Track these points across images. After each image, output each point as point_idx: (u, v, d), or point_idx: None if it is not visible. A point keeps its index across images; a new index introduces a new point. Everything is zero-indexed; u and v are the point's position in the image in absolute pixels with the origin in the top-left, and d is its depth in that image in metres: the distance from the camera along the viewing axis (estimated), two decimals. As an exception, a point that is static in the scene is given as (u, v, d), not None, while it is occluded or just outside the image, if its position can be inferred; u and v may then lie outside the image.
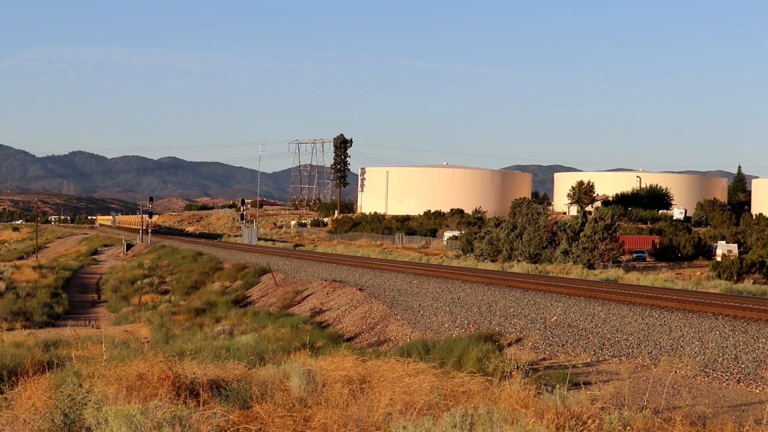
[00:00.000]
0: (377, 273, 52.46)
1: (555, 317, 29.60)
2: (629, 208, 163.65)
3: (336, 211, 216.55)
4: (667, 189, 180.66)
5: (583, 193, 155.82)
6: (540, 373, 19.21)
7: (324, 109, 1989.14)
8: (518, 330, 27.95)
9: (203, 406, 14.85)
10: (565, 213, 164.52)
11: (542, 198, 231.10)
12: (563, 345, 25.14)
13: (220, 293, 57.86)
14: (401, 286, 43.07)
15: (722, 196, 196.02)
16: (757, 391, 19.02)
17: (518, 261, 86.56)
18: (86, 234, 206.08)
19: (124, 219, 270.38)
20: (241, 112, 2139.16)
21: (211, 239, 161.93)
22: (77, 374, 16.74)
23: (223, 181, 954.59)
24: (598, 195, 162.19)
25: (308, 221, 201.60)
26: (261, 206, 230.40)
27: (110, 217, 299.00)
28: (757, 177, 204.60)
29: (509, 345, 25.93)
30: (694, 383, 19.83)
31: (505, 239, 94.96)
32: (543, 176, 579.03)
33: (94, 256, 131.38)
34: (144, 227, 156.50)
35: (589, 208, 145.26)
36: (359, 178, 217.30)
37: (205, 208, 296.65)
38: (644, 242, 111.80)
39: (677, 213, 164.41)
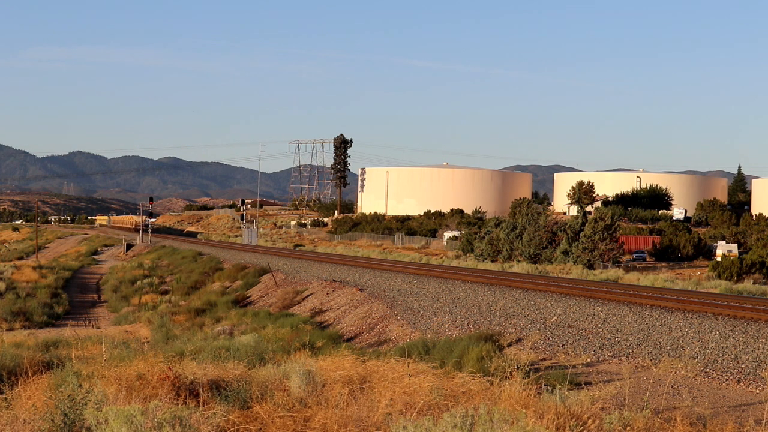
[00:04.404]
0: (377, 273, 52.44)
1: (555, 317, 29.59)
2: (629, 208, 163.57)
3: (336, 212, 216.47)
4: (667, 189, 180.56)
5: (583, 193, 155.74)
6: (540, 373, 19.21)
7: (324, 109, 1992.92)
8: (518, 330, 27.94)
9: (203, 406, 14.85)
10: (565, 213, 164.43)
11: (542, 198, 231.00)
12: (563, 345, 25.13)
13: (220, 293, 57.85)
14: (401, 287, 43.06)
15: (722, 196, 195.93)
16: (757, 391, 19.01)
17: (518, 261, 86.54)
18: (86, 234, 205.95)
19: (118, 219, 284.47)
20: (241, 112, 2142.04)
21: (192, 236, 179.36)
22: (77, 374, 16.73)
23: (223, 181, 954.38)
24: (598, 195, 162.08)
25: (308, 221, 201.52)
26: (261, 206, 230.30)
27: (106, 218, 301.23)
28: (757, 177, 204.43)
29: (509, 345, 25.92)
30: (694, 383, 19.83)
31: (505, 239, 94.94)
32: (543, 176, 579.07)
33: (94, 256, 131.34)
34: (135, 226, 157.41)
35: (589, 208, 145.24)
36: (359, 178, 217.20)
37: (205, 208, 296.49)
38: (644, 242, 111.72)
39: (677, 213, 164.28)
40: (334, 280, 48.69)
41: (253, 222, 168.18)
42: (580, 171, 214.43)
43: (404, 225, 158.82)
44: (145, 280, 78.67)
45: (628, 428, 13.85)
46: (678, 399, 17.98)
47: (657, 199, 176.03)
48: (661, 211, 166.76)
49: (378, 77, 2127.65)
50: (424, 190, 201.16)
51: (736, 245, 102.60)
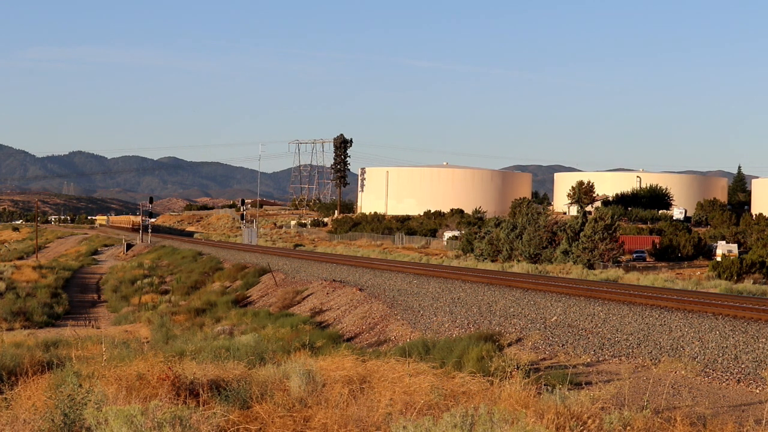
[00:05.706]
0: (377, 273, 52.44)
1: (555, 317, 29.59)
2: (629, 208, 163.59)
3: (336, 211, 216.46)
4: (667, 189, 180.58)
5: (583, 193, 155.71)
6: (540, 373, 19.21)
7: (324, 109, 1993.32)
8: (518, 330, 27.94)
9: (203, 406, 14.85)
10: (565, 213, 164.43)
11: (542, 198, 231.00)
12: (563, 345, 25.13)
13: (220, 293, 57.85)
14: (401, 286, 43.05)
15: (722, 196, 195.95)
16: (757, 391, 19.01)
17: (518, 261, 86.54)
18: (86, 234, 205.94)
19: (117, 219, 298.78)
20: (241, 112, 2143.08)
21: (187, 236, 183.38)
22: (77, 374, 16.73)
23: (223, 181, 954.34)
24: (598, 195, 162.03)
25: (308, 221, 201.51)
26: (261, 206, 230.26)
27: (106, 218, 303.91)
28: (757, 177, 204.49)
29: (509, 345, 25.93)
30: (694, 383, 19.82)
31: (505, 239, 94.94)
32: (543, 176, 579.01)
33: (94, 256, 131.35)
34: (133, 226, 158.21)
35: (589, 208, 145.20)
36: (359, 178, 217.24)
37: (205, 208, 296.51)
38: (644, 242, 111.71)
39: (677, 213, 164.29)
40: (334, 280, 48.69)
41: (253, 222, 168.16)
42: (580, 171, 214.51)
43: (404, 225, 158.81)
44: (145, 280, 78.68)
45: (628, 428, 13.85)
46: (678, 399, 17.98)
47: (657, 199, 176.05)
48: (661, 211, 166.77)
49: (378, 77, 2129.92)
50: (424, 190, 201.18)
51: (736, 245, 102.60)
